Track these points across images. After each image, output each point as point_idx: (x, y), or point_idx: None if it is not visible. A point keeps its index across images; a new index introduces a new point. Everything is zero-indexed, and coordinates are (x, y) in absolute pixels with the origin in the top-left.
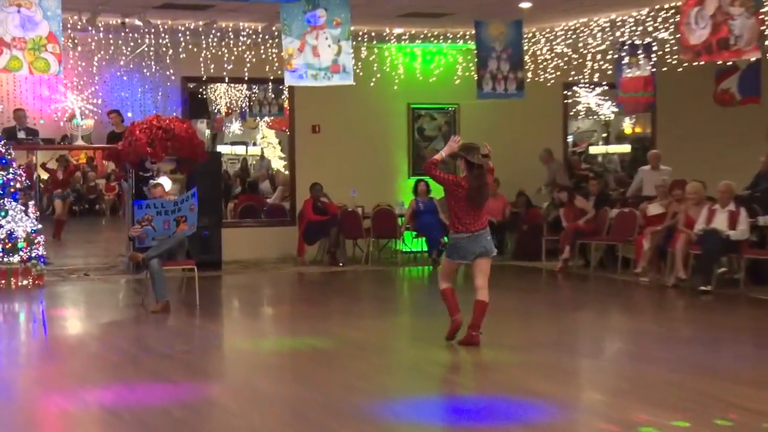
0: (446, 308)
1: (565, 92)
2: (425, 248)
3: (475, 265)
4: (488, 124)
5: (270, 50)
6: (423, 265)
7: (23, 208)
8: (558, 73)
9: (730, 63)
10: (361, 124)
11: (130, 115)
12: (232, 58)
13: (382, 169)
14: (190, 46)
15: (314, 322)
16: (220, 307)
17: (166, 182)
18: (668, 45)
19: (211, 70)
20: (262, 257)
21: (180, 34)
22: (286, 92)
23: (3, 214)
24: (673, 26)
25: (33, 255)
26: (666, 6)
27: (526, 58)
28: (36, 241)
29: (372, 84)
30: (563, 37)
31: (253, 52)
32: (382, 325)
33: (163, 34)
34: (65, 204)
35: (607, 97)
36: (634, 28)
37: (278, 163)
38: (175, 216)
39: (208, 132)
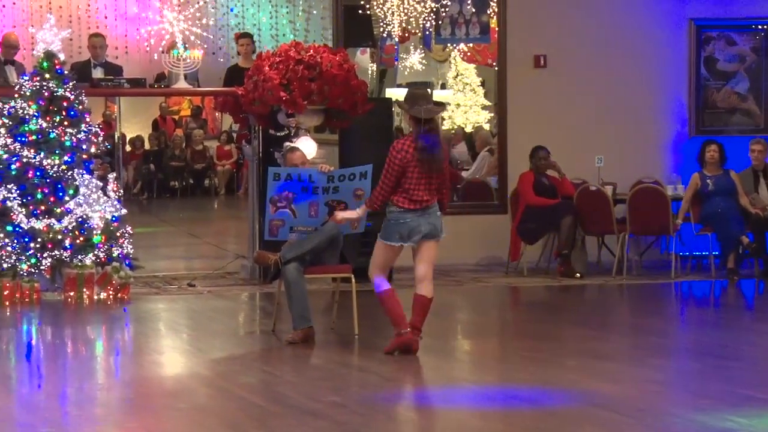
0: (389, 317)
1: None
2: (715, 251)
3: (418, 250)
4: None
5: None
6: (712, 277)
7: (100, 183)
8: None
9: None
10: (609, 52)
11: (257, 42)
12: None
13: (645, 124)
14: None
15: (537, 365)
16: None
17: (308, 145)
18: None
19: None
20: (455, 262)
21: None
22: (494, 4)
23: (71, 191)
24: None
25: (115, 254)
26: None
27: None
28: (119, 234)
29: None
30: None
31: None
32: (646, 373)
33: None
34: None
35: None
36: None
37: (480, 116)
38: (328, 199)
39: (372, 67)
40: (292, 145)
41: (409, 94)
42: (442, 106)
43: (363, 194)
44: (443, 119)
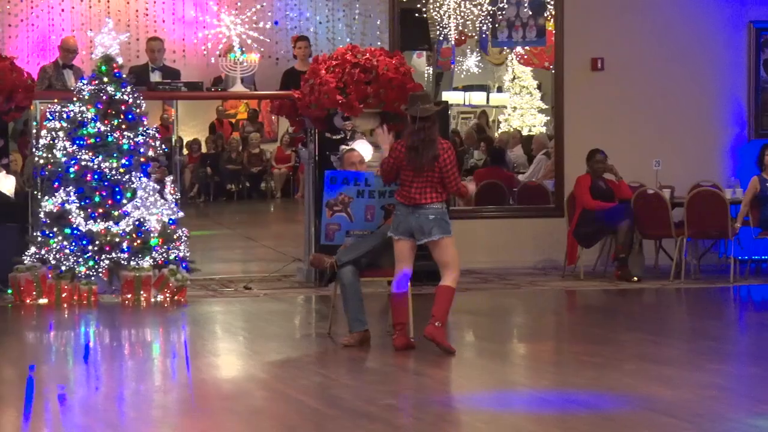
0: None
1: None
2: None
3: (431, 252)
4: None
5: None
6: None
7: (157, 187)
8: None
9: None
10: (667, 55)
11: (314, 45)
12: None
13: (703, 127)
14: None
15: (593, 370)
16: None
17: (364, 148)
18: None
19: None
20: (511, 265)
21: None
22: (551, 7)
23: (129, 195)
24: None
25: (172, 257)
26: None
27: None
28: (176, 237)
29: None
30: None
31: None
32: (703, 378)
33: None
34: None
35: None
36: None
37: (537, 119)
38: (384, 202)
39: (429, 71)
40: (348, 147)
41: (412, 96)
42: (439, 105)
43: None
44: (499, 122)
